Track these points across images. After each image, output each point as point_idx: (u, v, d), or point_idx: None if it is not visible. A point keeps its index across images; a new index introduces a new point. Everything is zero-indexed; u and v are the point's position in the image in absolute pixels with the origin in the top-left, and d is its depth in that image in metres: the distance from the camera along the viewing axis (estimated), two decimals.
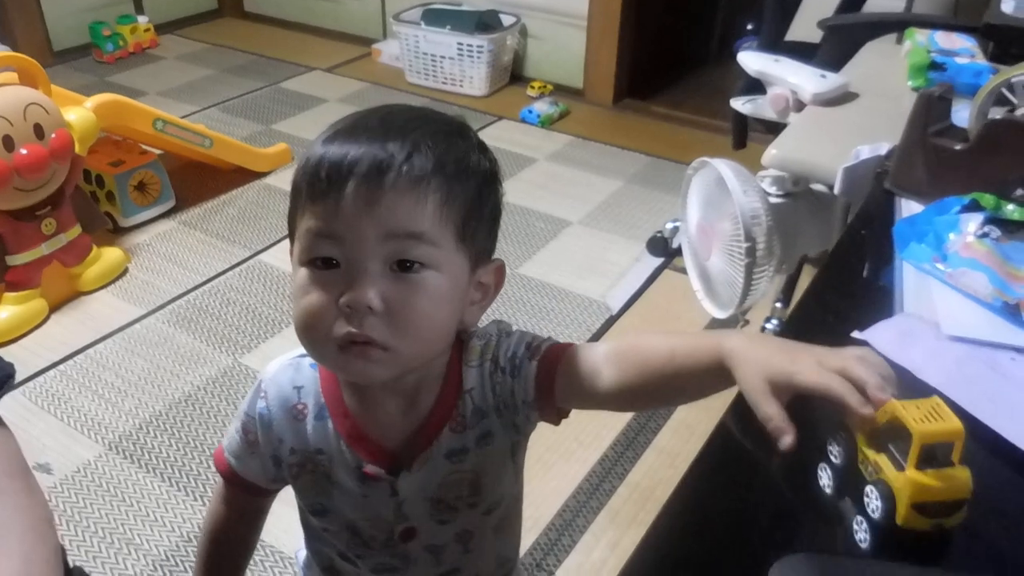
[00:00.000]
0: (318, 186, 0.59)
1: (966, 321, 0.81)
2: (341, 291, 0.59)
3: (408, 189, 0.58)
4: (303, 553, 0.84)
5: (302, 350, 0.68)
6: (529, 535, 1.58)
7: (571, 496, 1.68)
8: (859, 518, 0.59)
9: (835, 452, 0.62)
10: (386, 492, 0.70)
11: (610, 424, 1.85)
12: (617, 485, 1.71)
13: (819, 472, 0.63)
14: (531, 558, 1.54)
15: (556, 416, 0.68)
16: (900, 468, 0.56)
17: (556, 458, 1.76)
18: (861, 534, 0.59)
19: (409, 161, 0.58)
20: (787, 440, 0.51)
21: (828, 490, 0.62)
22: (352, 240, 0.59)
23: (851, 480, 0.60)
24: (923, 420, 0.53)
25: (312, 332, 0.61)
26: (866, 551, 0.58)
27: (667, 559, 0.60)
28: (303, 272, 0.61)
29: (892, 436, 0.55)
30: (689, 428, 1.84)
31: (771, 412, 0.51)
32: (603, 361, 0.64)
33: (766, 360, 0.53)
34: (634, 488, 1.71)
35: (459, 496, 0.71)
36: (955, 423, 0.54)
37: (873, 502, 0.58)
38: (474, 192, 0.63)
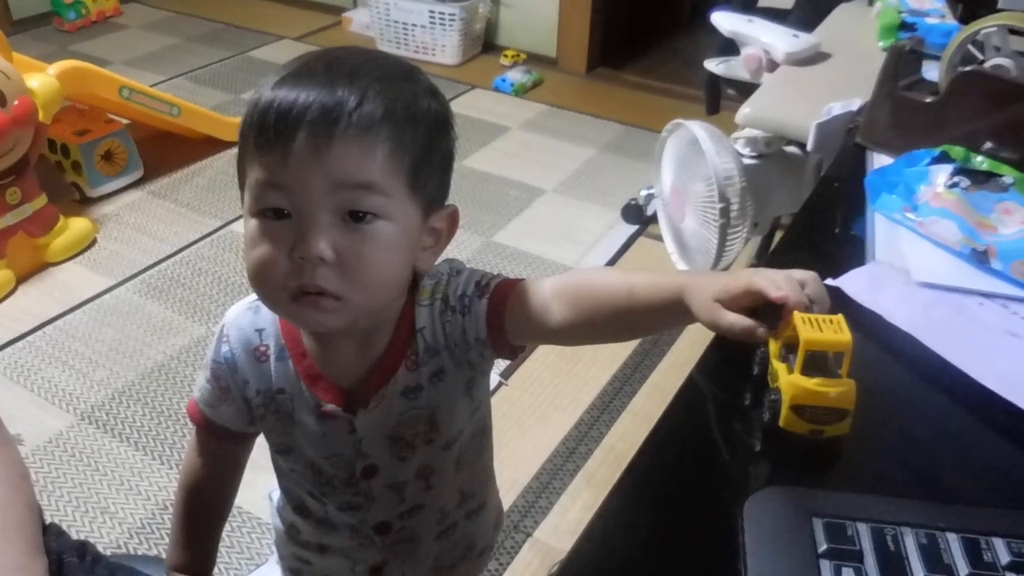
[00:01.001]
0: (265, 136, 0.58)
1: (936, 268, 0.82)
2: (292, 242, 0.59)
3: (357, 138, 0.58)
4: (277, 493, 0.84)
5: None
6: (507, 497, 1.58)
7: (548, 459, 1.69)
8: (757, 425, 0.61)
9: (755, 367, 0.65)
10: (345, 430, 0.71)
11: (585, 388, 1.86)
12: (593, 448, 1.73)
13: (745, 388, 0.65)
14: (508, 520, 1.55)
15: (511, 352, 0.68)
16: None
17: (533, 421, 1.78)
18: (756, 440, 0.61)
19: (358, 109, 0.58)
20: (760, 331, 0.54)
21: (747, 402, 0.64)
22: (301, 191, 0.58)
23: (762, 391, 0.62)
24: (815, 330, 0.55)
25: (265, 283, 0.61)
26: (758, 455, 0.61)
27: (643, 499, 0.60)
28: (254, 223, 0.61)
29: (794, 348, 0.57)
30: (663, 392, 1.86)
31: (730, 319, 0.55)
32: (553, 296, 0.64)
33: (712, 283, 0.56)
34: (609, 451, 1.72)
35: (416, 432, 0.72)
36: (845, 336, 0.55)
37: (766, 407, 0.60)
38: (424, 138, 0.62)
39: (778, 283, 0.54)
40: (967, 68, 1.01)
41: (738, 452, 0.62)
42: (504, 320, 0.65)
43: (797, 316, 0.55)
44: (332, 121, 0.57)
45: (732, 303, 0.55)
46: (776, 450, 0.61)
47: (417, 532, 0.79)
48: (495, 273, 0.69)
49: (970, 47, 1.10)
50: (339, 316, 0.61)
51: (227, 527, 1.07)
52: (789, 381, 0.57)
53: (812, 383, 0.57)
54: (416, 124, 0.61)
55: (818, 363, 0.57)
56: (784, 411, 0.58)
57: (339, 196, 0.58)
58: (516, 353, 0.68)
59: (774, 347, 0.60)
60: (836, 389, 0.57)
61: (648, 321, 0.64)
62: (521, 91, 3.27)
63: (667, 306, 0.59)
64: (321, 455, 0.73)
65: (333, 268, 0.59)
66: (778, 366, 0.60)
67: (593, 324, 0.64)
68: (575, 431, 1.77)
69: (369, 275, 0.60)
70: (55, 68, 2.15)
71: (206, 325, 2.03)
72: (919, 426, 0.66)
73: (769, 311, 0.55)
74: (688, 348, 1.96)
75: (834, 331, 0.55)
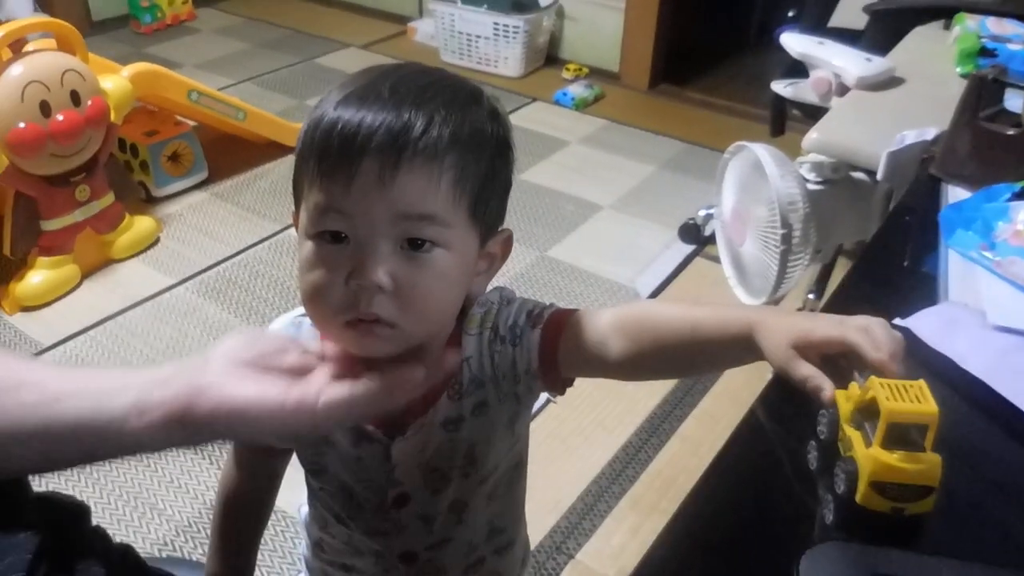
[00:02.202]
0: (328, 160, 0.57)
1: (1014, 311, 0.78)
2: (349, 269, 0.58)
3: (422, 167, 0.57)
4: (305, 509, 0.84)
5: (303, 309, 0.67)
6: (550, 517, 1.57)
7: (593, 481, 1.67)
8: (828, 496, 0.58)
9: (822, 429, 0.61)
10: (380, 456, 0.70)
11: (634, 411, 1.83)
12: (640, 472, 1.70)
13: (808, 448, 0.61)
14: (551, 540, 1.53)
15: (560, 385, 0.66)
16: (870, 445, 0.54)
17: (580, 442, 1.75)
18: (827, 511, 0.57)
19: (424, 136, 0.56)
20: (827, 393, 0.51)
21: (813, 466, 0.61)
22: (362, 219, 0.57)
23: (831, 457, 0.58)
24: (897, 399, 0.51)
25: (319, 308, 0.61)
26: (828, 528, 0.57)
27: (693, 544, 0.58)
28: (310, 245, 0.60)
29: (871, 414, 0.53)
30: (713, 418, 1.82)
31: (804, 372, 0.51)
32: (610, 329, 0.62)
33: (789, 326, 0.53)
34: (656, 476, 1.69)
35: (453, 465, 0.70)
36: (930, 407, 0.51)
37: (839, 478, 0.56)
38: (487, 164, 0.61)
39: (879, 345, 0.50)
40: None
41: (797, 503, 0.60)
42: (558, 352, 0.63)
43: (875, 381, 0.51)
44: (399, 149, 0.56)
45: (811, 350, 0.52)
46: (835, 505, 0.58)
47: (444, 564, 0.78)
48: (547, 303, 0.67)
49: None
50: (391, 343, 0.60)
51: (268, 531, 1.08)
52: (868, 455, 0.53)
53: (894, 458, 0.52)
54: (480, 151, 0.60)
55: (899, 434, 0.53)
56: (862, 487, 0.54)
57: (400, 226, 0.57)
58: (566, 387, 0.66)
59: (844, 408, 0.55)
60: (920, 465, 0.52)
61: (712, 358, 0.61)
62: (582, 105, 3.26)
63: (734, 344, 0.56)
64: (353, 479, 0.72)
65: (389, 296, 0.58)
66: (852, 433, 0.55)
67: (653, 359, 0.61)
68: (622, 453, 1.74)
69: (425, 304, 0.59)
70: (128, 70, 2.21)
71: (261, 328, 2.05)
72: (991, 482, 0.62)
73: (839, 362, 0.52)
74: (741, 374, 1.89)
75: (917, 400, 0.51)
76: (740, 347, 0.56)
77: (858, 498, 0.54)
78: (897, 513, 0.54)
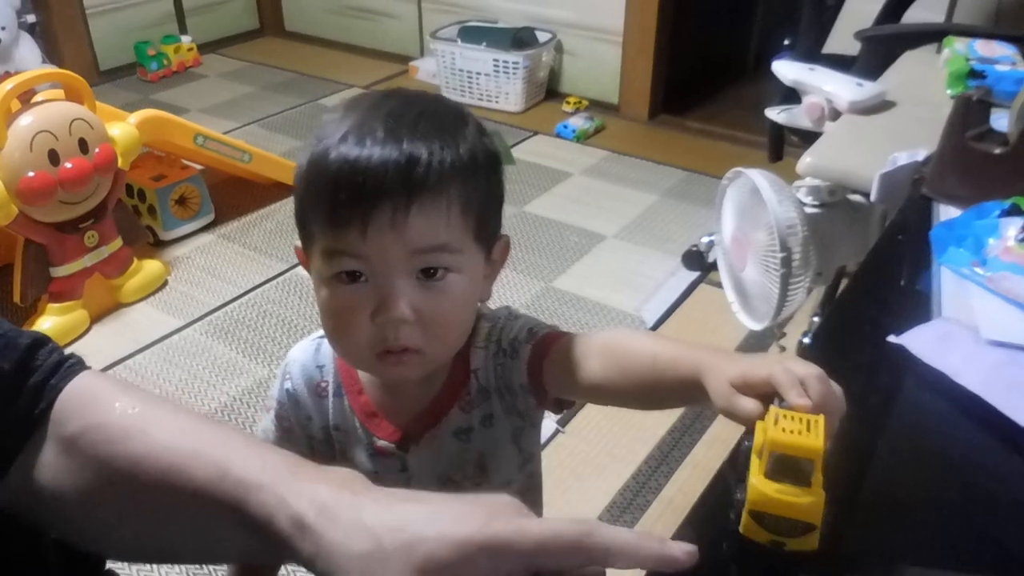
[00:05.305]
0: (339, 210, 0.59)
1: (1006, 326, 0.79)
2: (372, 306, 0.60)
3: (432, 203, 0.59)
4: None
5: (320, 332, 0.70)
6: None
7: (604, 510, 1.66)
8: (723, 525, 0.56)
9: (741, 460, 0.57)
10: (396, 468, 0.72)
11: (644, 438, 1.83)
12: (651, 500, 1.69)
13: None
14: None
15: (554, 405, 0.68)
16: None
17: (589, 471, 1.75)
18: (721, 544, 0.55)
19: (428, 173, 0.58)
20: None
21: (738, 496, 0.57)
22: (379, 260, 0.60)
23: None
24: (785, 429, 0.48)
25: (349, 346, 0.63)
26: (723, 562, 0.55)
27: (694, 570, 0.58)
28: (329, 287, 0.62)
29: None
30: (724, 443, 1.82)
31: (747, 408, 0.51)
32: (591, 352, 0.63)
33: (731, 366, 0.53)
34: (667, 504, 1.68)
35: (465, 476, 0.72)
36: (816, 442, 0.48)
37: (733, 509, 0.53)
38: (485, 183, 0.64)
39: (804, 387, 0.50)
40: None
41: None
42: (544, 369, 0.66)
43: (774, 410, 0.49)
44: (408, 191, 0.58)
45: (749, 391, 0.52)
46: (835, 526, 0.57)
47: None
48: (551, 324, 0.69)
49: None
50: (420, 368, 0.64)
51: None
52: (751, 483, 0.51)
53: (773, 488, 0.50)
54: (478, 172, 0.63)
55: (788, 467, 0.50)
56: (744, 516, 0.51)
57: (415, 260, 0.60)
58: (560, 407, 0.68)
59: (758, 439, 0.52)
60: (799, 500, 0.49)
61: (666, 395, 0.60)
62: (583, 137, 3.29)
63: (683, 383, 0.56)
64: None
65: (413, 325, 0.61)
66: (754, 462, 0.52)
67: (619, 387, 0.62)
68: (632, 482, 1.73)
69: (447, 327, 0.63)
70: (135, 117, 2.25)
71: (268, 367, 2.06)
72: (987, 494, 0.62)
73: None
74: None
75: (805, 433, 0.48)
76: (688, 386, 0.55)
77: (740, 527, 0.52)
78: (777, 547, 0.51)
